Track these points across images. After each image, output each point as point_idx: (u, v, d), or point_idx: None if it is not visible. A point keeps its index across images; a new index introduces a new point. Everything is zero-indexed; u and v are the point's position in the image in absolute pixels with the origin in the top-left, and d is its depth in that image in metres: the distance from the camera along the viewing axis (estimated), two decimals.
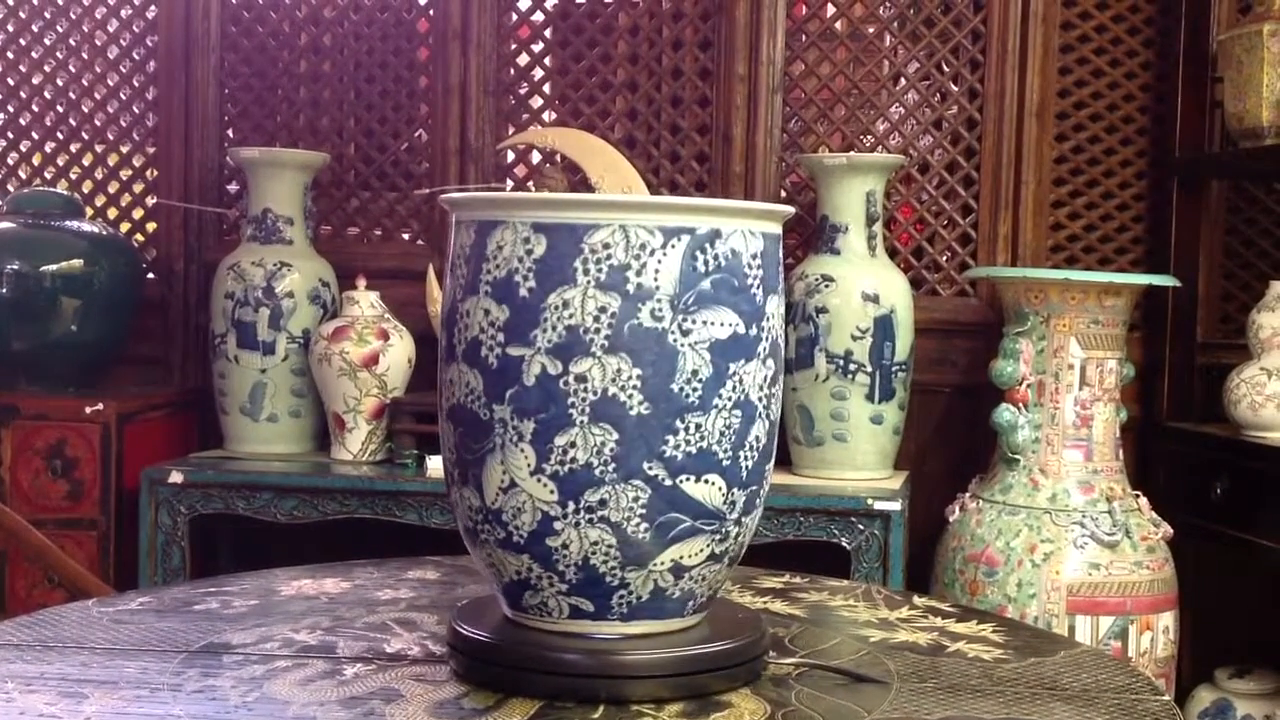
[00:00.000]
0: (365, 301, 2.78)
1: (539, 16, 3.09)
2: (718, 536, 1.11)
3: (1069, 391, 2.56)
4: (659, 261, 1.05)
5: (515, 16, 3.09)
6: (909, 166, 2.97)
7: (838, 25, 3.02)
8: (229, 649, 1.23)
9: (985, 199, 2.95)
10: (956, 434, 2.98)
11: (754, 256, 1.09)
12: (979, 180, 2.96)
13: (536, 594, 1.12)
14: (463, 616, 1.18)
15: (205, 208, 3.13)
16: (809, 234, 2.88)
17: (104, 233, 2.99)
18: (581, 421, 1.06)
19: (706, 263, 1.06)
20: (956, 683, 1.18)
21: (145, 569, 2.64)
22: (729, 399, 1.08)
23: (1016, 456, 2.57)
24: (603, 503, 1.07)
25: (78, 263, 2.87)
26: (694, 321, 1.06)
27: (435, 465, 2.64)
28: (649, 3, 3.06)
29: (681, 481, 1.07)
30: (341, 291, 2.86)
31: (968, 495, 2.67)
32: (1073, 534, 2.50)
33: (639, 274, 1.05)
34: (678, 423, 1.06)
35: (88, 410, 2.73)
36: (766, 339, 1.10)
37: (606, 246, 1.05)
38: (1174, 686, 2.64)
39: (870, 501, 2.51)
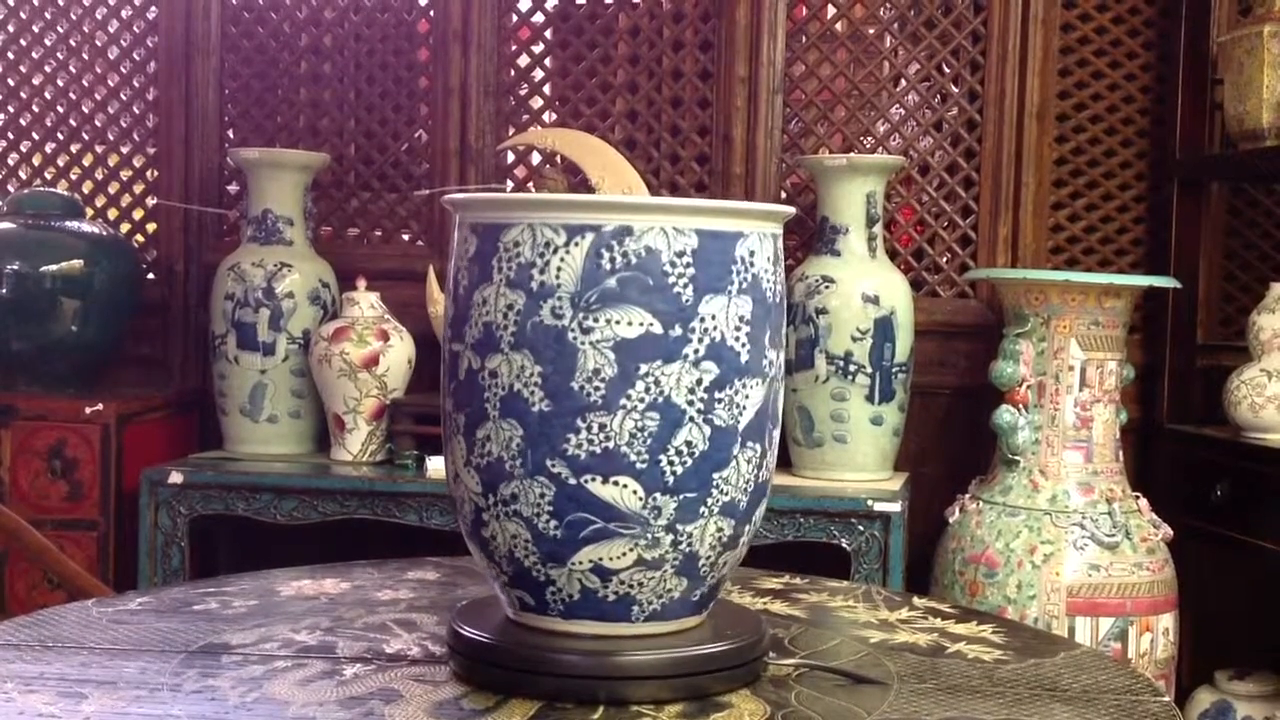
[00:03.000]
0: (365, 302, 2.78)
1: (539, 18, 3.09)
2: (643, 542, 1.08)
3: (1069, 393, 2.56)
4: (561, 259, 1.05)
5: (515, 18, 3.10)
6: (909, 168, 2.97)
7: (838, 27, 3.02)
8: (228, 649, 1.23)
9: (985, 200, 2.96)
10: (956, 435, 2.98)
11: (679, 254, 1.05)
12: (979, 182, 2.96)
13: (495, 582, 1.15)
14: (462, 617, 1.18)
15: (205, 208, 3.14)
16: (809, 235, 2.88)
17: (104, 233, 2.99)
18: (494, 416, 1.08)
19: (613, 260, 1.05)
20: (956, 684, 1.18)
21: (145, 570, 2.64)
22: (640, 400, 1.05)
23: (1016, 458, 2.57)
24: (514, 497, 1.09)
25: (78, 263, 2.87)
26: (596, 320, 1.05)
27: (435, 466, 2.63)
28: (649, 4, 3.06)
29: (586, 481, 1.06)
30: (341, 292, 2.86)
31: (967, 496, 2.67)
32: (1073, 535, 2.49)
33: (542, 272, 1.06)
34: (579, 421, 1.06)
35: (87, 411, 2.73)
36: (700, 341, 1.06)
37: (516, 245, 1.07)
38: (1174, 688, 2.64)
39: (870, 503, 2.51)
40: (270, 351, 2.80)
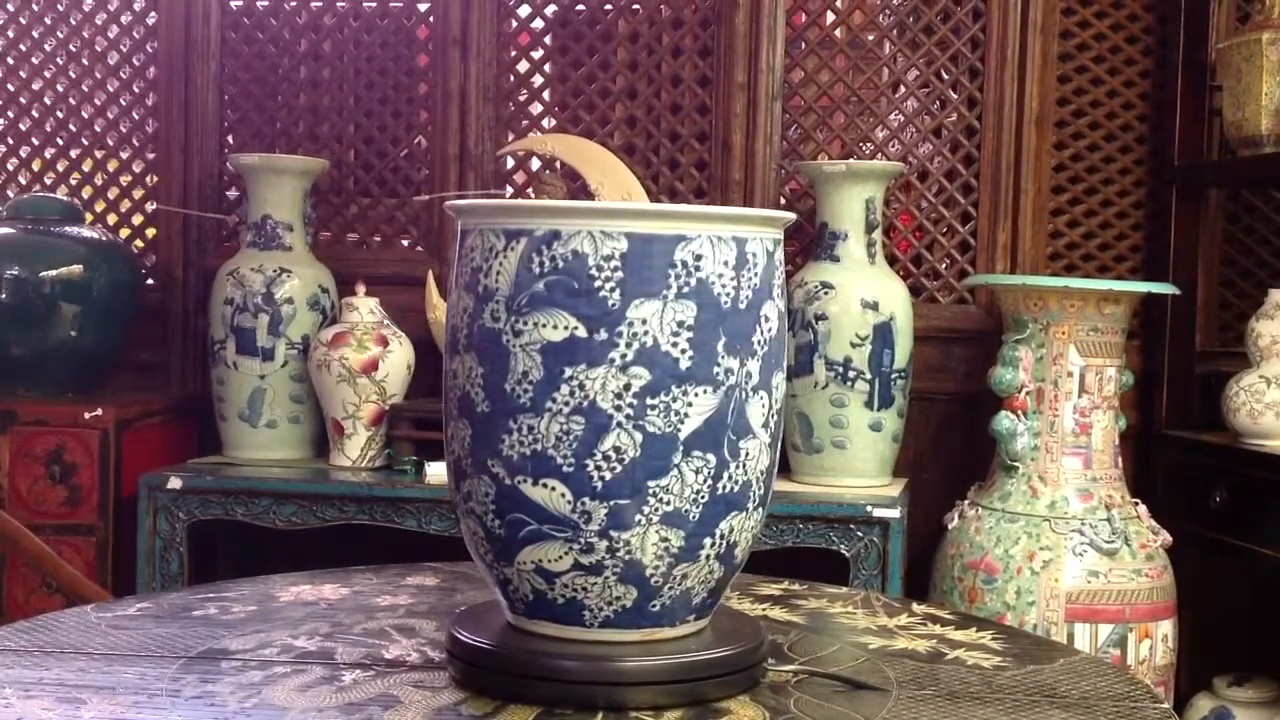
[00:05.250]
0: (364, 308, 2.78)
1: (539, 23, 3.10)
2: (577, 546, 1.08)
3: (1068, 399, 2.56)
4: (500, 264, 1.07)
5: (515, 23, 3.10)
6: (908, 174, 2.97)
7: (837, 33, 3.02)
8: (227, 655, 1.23)
9: (984, 206, 2.96)
10: (955, 441, 2.98)
11: (607, 258, 1.05)
12: (978, 188, 2.96)
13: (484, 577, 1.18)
14: (461, 623, 1.18)
15: (205, 214, 3.14)
16: (808, 241, 2.88)
17: (103, 238, 2.99)
18: (454, 415, 1.12)
19: (542, 264, 1.05)
20: (955, 690, 1.18)
21: (144, 575, 2.64)
22: (564, 403, 1.05)
23: (1015, 464, 2.57)
24: (470, 494, 1.12)
25: (77, 268, 2.87)
26: (525, 323, 1.06)
27: (434, 471, 2.63)
28: (648, 10, 3.06)
29: (520, 482, 1.08)
30: (341, 298, 2.86)
31: (966, 503, 2.66)
32: (1072, 542, 2.49)
33: (486, 275, 1.08)
34: (511, 423, 1.07)
35: (86, 416, 2.73)
36: (628, 345, 1.05)
37: (472, 250, 1.10)
38: (1173, 694, 2.64)
39: (869, 509, 2.51)
40: (269, 357, 2.80)
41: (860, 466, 2.68)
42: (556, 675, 1.09)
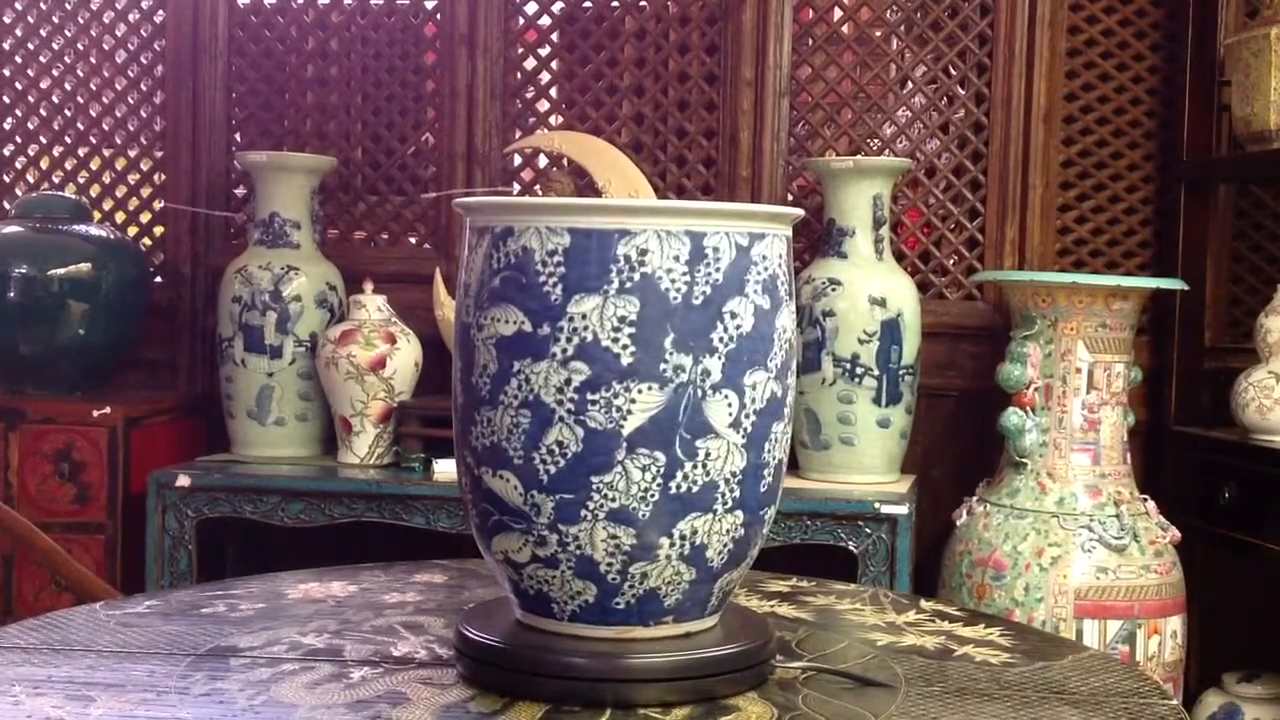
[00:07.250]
0: (372, 305, 2.78)
1: (545, 20, 3.10)
2: (531, 539, 1.09)
3: (1076, 395, 2.55)
4: (472, 260, 1.11)
5: (522, 21, 3.10)
6: (916, 170, 2.97)
7: (844, 29, 3.02)
8: (236, 652, 1.23)
9: (992, 203, 2.95)
10: (963, 438, 2.98)
11: (551, 254, 1.05)
12: (986, 184, 2.96)
13: None
14: (469, 620, 1.18)
15: (212, 212, 3.14)
16: (816, 238, 2.88)
17: (111, 237, 2.99)
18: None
19: (498, 260, 1.08)
20: (964, 686, 1.18)
21: (152, 572, 2.64)
22: (514, 397, 1.07)
23: (1024, 460, 2.57)
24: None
25: (85, 266, 2.87)
26: (485, 317, 1.09)
27: (442, 469, 2.64)
28: (655, 7, 3.06)
29: (483, 473, 1.10)
30: (348, 295, 2.86)
31: (975, 499, 2.66)
32: (1080, 538, 2.49)
33: (465, 271, 1.13)
34: (476, 415, 1.10)
35: (95, 414, 2.73)
36: (569, 341, 1.05)
37: (464, 247, 1.14)
38: (1182, 691, 2.64)
39: (877, 505, 2.50)
40: (277, 354, 2.80)
41: (868, 463, 2.68)
42: (564, 672, 1.09)
